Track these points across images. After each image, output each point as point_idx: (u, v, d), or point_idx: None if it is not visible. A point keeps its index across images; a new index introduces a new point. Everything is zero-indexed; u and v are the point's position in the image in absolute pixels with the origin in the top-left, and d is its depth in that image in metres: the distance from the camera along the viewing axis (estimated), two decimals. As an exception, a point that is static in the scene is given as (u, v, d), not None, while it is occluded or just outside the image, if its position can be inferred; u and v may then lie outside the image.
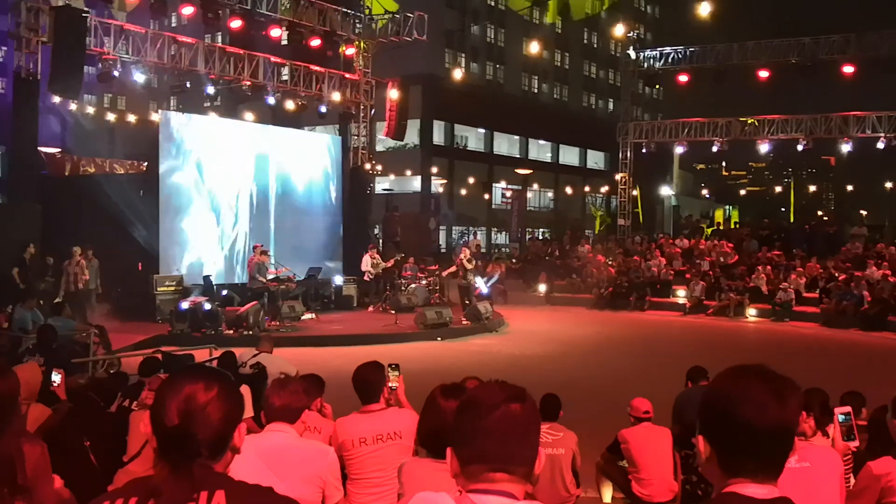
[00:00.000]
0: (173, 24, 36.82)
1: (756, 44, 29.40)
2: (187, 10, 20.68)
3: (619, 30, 35.02)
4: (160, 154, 20.31)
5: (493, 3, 57.38)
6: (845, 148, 29.85)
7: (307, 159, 24.07)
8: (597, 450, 6.81)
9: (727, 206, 69.98)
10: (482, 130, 54.91)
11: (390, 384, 4.67)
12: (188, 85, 22.26)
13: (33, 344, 11.11)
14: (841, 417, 4.21)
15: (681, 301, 24.74)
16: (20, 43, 18.20)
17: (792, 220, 58.81)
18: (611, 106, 67.87)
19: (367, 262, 22.43)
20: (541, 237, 44.27)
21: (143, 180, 22.19)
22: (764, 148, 31.22)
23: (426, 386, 3.71)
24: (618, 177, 34.05)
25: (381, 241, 30.84)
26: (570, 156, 62.06)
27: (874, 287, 22.05)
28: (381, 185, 40.78)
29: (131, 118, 35.47)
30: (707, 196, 78.04)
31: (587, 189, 58.89)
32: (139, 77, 20.87)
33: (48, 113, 25.57)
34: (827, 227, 33.57)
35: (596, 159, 62.99)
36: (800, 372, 2.09)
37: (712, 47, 30.20)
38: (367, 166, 26.81)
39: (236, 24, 21.27)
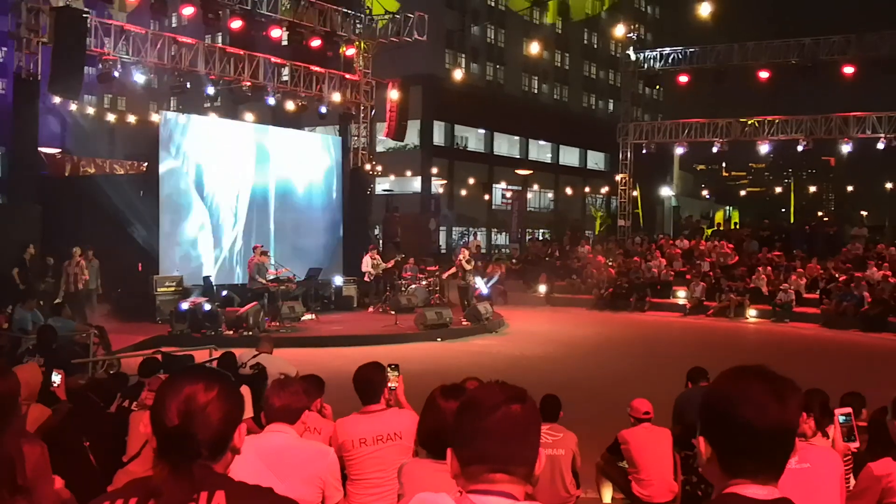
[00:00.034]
0: (173, 25, 36.79)
1: (756, 44, 29.41)
2: (187, 11, 20.67)
3: (619, 30, 35.00)
4: (160, 155, 20.31)
5: (493, 4, 57.39)
6: (845, 148, 29.85)
7: (307, 160, 24.07)
8: (597, 450, 6.81)
9: (727, 207, 70.03)
10: (482, 131, 54.93)
11: (390, 384, 4.67)
12: (188, 85, 22.24)
13: (33, 344, 11.11)
14: (841, 418, 4.21)
15: (681, 302, 24.74)
16: (20, 43, 18.20)
17: (792, 221, 58.80)
18: (611, 106, 67.87)
19: (367, 263, 22.44)
20: (541, 238, 44.31)
21: (143, 181, 22.20)
22: (764, 149, 31.21)
23: (426, 387, 3.71)
24: (618, 177, 34.05)
25: (381, 241, 30.84)
26: (570, 156, 62.08)
27: (874, 288, 22.05)
28: (382, 185, 40.83)
29: (131, 119, 35.50)
30: (707, 197, 78.06)
31: (587, 190, 58.91)
32: (139, 77, 20.86)
33: (48, 113, 25.59)
34: (827, 227, 33.56)
35: (596, 160, 63.02)
36: (800, 373, 2.09)
37: (712, 48, 30.21)
38: (368, 167, 26.81)
39: (236, 24, 21.27)
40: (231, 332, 16.79)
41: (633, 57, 32.42)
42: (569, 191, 57.30)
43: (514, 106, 55.26)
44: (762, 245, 27.89)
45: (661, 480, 6.37)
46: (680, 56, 30.91)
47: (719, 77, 29.43)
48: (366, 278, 22.61)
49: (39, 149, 20.77)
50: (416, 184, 49.44)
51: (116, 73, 19.95)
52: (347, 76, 25.62)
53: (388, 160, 41.76)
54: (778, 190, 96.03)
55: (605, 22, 57.24)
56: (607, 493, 6.89)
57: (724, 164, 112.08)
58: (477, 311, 19.68)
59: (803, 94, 45.92)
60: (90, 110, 37.34)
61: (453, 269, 21.64)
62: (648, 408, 6.56)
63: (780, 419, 1.79)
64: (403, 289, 22.10)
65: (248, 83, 22.82)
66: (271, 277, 18.51)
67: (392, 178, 46.21)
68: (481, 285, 22.18)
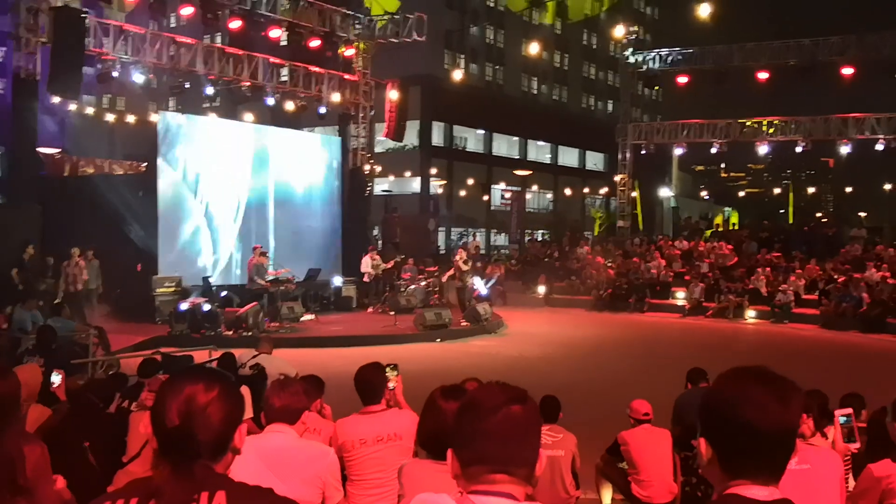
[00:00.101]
0: (172, 25, 36.80)
1: (755, 45, 29.43)
2: (186, 11, 20.67)
3: (618, 31, 34.98)
4: (159, 155, 20.30)
5: (492, 4, 57.40)
6: (844, 150, 29.86)
7: (306, 160, 24.06)
8: (596, 451, 6.81)
9: (726, 208, 70.01)
10: (481, 131, 54.94)
11: (389, 384, 4.68)
12: (187, 85, 22.26)
13: (33, 345, 11.12)
14: (842, 419, 4.21)
15: (680, 303, 24.75)
16: (19, 43, 18.17)
17: (791, 222, 58.76)
18: (610, 107, 67.91)
19: (366, 264, 22.45)
20: (540, 239, 44.28)
21: (142, 181, 22.19)
22: (763, 150, 31.22)
23: (426, 387, 3.71)
24: (617, 178, 34.07)
25: (380, 242, 30.84)
26: (569, 157, 62.09)
27: (873, 289, 22.07)
28: (381, 186, 40.79)
29: (130, 119, 35.46)
30: (706, 198, 78.03)
31: (586, 190, 58.92)
32: (138, 77, 20.84)
33: (47, 113, 25.54)
34: (826, 228, 33.57)
35: (595, 160, 63.02)
36: (799, 374, 2.09)
37: (711, 49, 30.23)
38: (367, 167, 26.80)
39: (235, 24, 21.26)
40: (230, 333, 16.80)
41: (632, 58, 32.43)
42: (568, 191, 57.31)
43: (513, 106, 55.28)
44: (761, 246, 27.90)
45: (660, 481, 6.37)
46: (679, 57, 30.92)
47: (718, 78, 29.44)
48: (365, 279, 22.62)
49: (38, 149, 20.75)
50: (415, 184, 49.44)
51: (115, 73, 19.94)
52: (346, 76, 25.62)
53: (387, 161, 41.75)
54: (777, 191, 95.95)
55: (604, 23, 57.22)
56: (607, 494, 6.89)
57: (723, 165, 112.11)
58: (476, 312, 19.68)
59: (802, 96, 45.96)
60: (89, 110, 37.30)
61: (452, 271, 21.66)
62: (648, 409, 6.56)
63: (781, 420, 1.79)
64: (403, 289, 22.10)
65: (247, 83, 22.82)
66: (270, 278, 18.51)
67: (391, 178, 46.20)
68: (480, 286, 22.18)
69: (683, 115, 36.07)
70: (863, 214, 64.67)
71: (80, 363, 11.33)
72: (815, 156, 60.98)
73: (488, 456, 1.81)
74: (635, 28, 35.37)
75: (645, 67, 31.96)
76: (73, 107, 30.59)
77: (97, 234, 18.63)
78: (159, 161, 20.28)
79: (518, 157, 57.35)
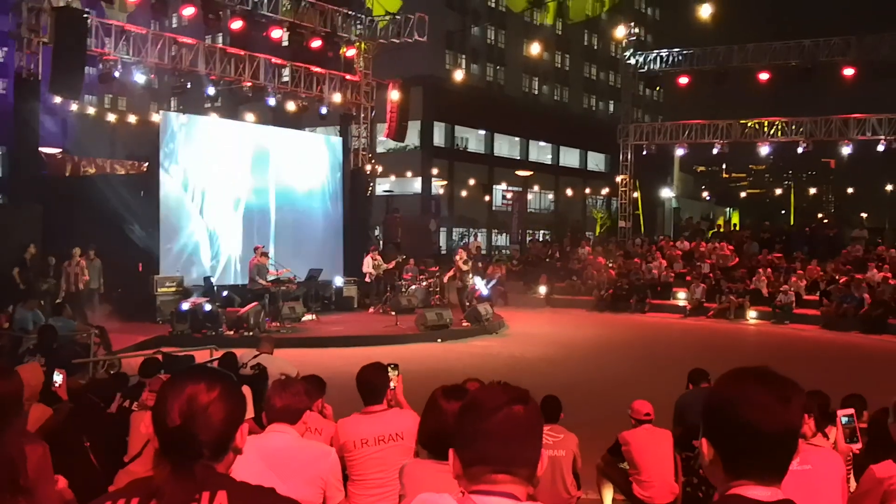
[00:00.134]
0: (174, 25, 36.80)
1: (756, 46, 29.40)
2: (188, 11, 20.68)
3: (619, 32, 34.98)
4: (161, 155, 20.30)
5: (493, 5, 57.40)
6: (846, 150, 29.83)
7: (308, 160, 24.06)
8: (597, 452, 6.81)
9: (727, 209, 70.01)
10: (482, 132, 54.92)
11: (390, 384, 4.69)
12: (189, 86, 22.26)
13: (34, 344, 11.14)
14: (844, 419, 4.20)
15: (681, 303, 24.75)
16: (21, 43, 18.20)
17: (792, 223, 58.83)
18: (611, 108, 67.89)
19: (368, 264, 22.46)
20: (541, 239, 44.30)
21: (144, 181, 22.20)
22: (764, 150, 31.21)
23: (427, 387, 3.71)
24: (618, 179, 34.06)
25: (381, 242, 30.84)
26: (570, 157, 62.07)
27: (875, 290, 22.05)
28: (382, 186, 40.81)
29: (132, 119, 35.52)
30: (707, 198, 78.03)
31: (587, 191, 58.88)
32: (140, 78, 20.86)
33: (49, 113, 25.58)
34: (827, 229, 33.57)
35: (596, 161, 63.00)
36: (800, 374, 2.09)
37: (712, 49, 30.20)
38: (368, 168, 26.81)
39: (237, 24, 21.26)
40: (232, 333, 16.81)
41: (632, 59, 32.42)
42: (569, 192, 57.28)
43: (514, 107, 55.26)
44: (762, 247, 27.89)
45: (661, 482, 6.37)
46: (680, 57, 30.90)
47: (719, 78, 29.44)
48: (366, 279, 22.62)
49: (40, 149, 20.80)
50: (416, 185, 49.43)
51: (117, 74, 19.95)
52: (348, 77, 25.63)
53: (388, 161, 41.75)
54: (778, 192, 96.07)
55: (605, 23, 57.20)
56: (608, 494, 6.88)
57: (724, 166, 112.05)
58: (477, 313, 19.67)
59: (803, 96, 45.90)
60: (91, 110, 37.38)
61: (452, 271, 21.66)
62: (649, 409, 6.55)
63: (784, 421, 1.79)
64: (404, 290, 22.11)
65: (249, 84, 22.83)
66: (272, 278, 18.51)
67: (392, 178, 46.20)
68: (481, 286, 22.18)
69: (684, 116, 36.07)
70: (864, 215, 64.66)
71: (81, 363, 11.33)
72: (816, 156, 60.94)
73: (490, 456, 1.81)
74: (636, 29, 35.34)
75: (646, 68, 31.95)
76: (74, 107, 30.65)
77: (98, 233, 18.65)
78: (161, 161, 20.28)
79: (519, 157, 57.34)
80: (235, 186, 21.84)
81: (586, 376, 14.23)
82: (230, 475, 1.96)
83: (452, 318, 19.17)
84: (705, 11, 24.67)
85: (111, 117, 37.66)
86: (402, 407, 4.87)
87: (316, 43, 23.14)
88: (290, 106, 24.76)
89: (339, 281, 22.95)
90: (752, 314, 23.24)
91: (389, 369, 4.74)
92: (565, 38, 62.51)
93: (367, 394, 4.51)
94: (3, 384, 3.19)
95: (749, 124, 30.79)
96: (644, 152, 32.92)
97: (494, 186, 54.13)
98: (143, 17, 22.87)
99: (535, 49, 39.75)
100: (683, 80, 30.28)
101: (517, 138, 57.36)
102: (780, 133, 30.37)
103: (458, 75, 40.12)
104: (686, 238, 31.35)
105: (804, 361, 15.00)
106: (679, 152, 35.08)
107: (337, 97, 24.88)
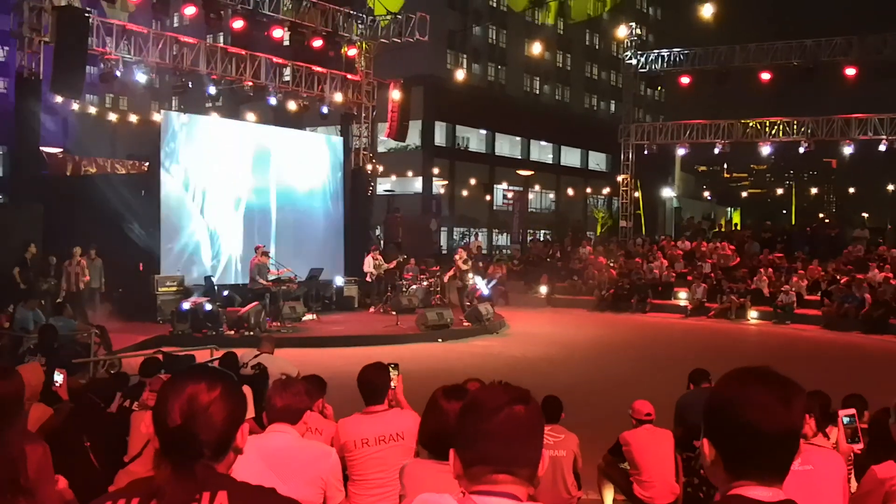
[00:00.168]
0: (175, 25, 36.78)
1: (758, 46, 29.38)
2: (189, 11, 20.70)
3: (620, 31, 34.96)
4: (162, 154, 20.30)
5: (494, 4, 57.40)
6: (847, 150, 29.82)
7: (308, 160, 24.06)
8: (598, 452, 6.80)
9: (728, 209, 69.99)
10: (483, 131, 54.91)
11: (390, 384, 4.68)
12: (190, 85, 22.26)
13: (34, 344, 11.13)
14: (846, 420, 4.20)
15: (682, 303, 24.74)
16: (22, 43, 18.21)
17: (793, 223, 58.77)
18: (612, 107, 67.87)
19: (369, 264, 22.46)
20: (542, 239, 44.28)
21: (145, 180, 22.21)
22: (765, 150, 31.19)
23: (427, 387, 3.71)
24: (619, 178, 34.05)
25: (382, 242, 30.84)
26: (571, 157, 62.05)
27: (876, 290, 22.04)
28: (383, 186, 40.83)
29: (133, 118, 35.53)
30: (709, 198, 78.00)
31: (589, 190, 58.86)
32: (141, 77, 20.87)
33: (50, 113, 25.59)
34: (828, 229, 33.54)
35: (597, 161, 62.97)
36: (801, 374, 2.08)
37: (714, 49, 30.18)
38: (369, 167, 26.82)
39: (238, 24, 21.28)
40: (232, 333, 16.80)
41: (634, 58, 32.40)
42: (570, 192, 57.26)
43: (515, 106, 55.25)
44: (763, 247, 27.89)
45: (662, 482, 6.36)
46: (681, 57, 30.89)
47: (721, 78, 29.42)
48: (367, 279, 22.61)
49: (41, 148, 20.80)
50: (417, 184, 49.42)
51: (118, 73, 19.97)
52: (349, 76, 25.63)
53: (389, 161, 41.76)
54: (779, 192, 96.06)
55: (606, 23, 57.17)
56: (609, 494, 6.88)
57: (725, 166, 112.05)
58: (478, 312, 19.67)
59: (805, 96, 45.93)
60: (92, 110, 37.41)
61: (453, 271, 21.66)
62: (650, 409, 6.55)
63: (785, 421, 1.78)
64: (404, 289, 22.11)
65: (250, 83, 22.83)
66: (272, 278, 18.50)
67: (393, 178, 46.20)
68: (482, 286, 22.18)
69: (686, 116, 36.07)
70: (865, 215, 64.66)
71: (81, 362, 11.34)
72: (817, 156, 60.91)
73: (491, 456, 1.80)
74: (638, 29, 35.32)
75: (647, 68, 31.93)
76: (75, 106, 30.68)
77: (99, 233, 18.64)
78: (161, 161, 20.28)
79: (520, 157, 57.33)
80: (236, 186, 21.83)
81: (587, 376, 14.22)
82: (231, 475, 1.96)
83: (453, 317, 19.17)
84: (707, 11, 24.66)
85: (112, 117, 37.68)
86: (402, 407, 4.87)
87: (317, 42, 23.16)
88: (291, 105, 24.77)
89: (339, 280, 22.95)
90: (753, 314, 23.23)
91: (390, 369, 4.73)
92: (567, 37, 62.51)
93: (369, 394, 4.51)
94: (3, 384, 3.19)
95: (750, 124, 30.78)
96: (645, 152, 32.91)
97: (495, 186, 54.12)
98: (145, 16, 22.91)
99: (536, 49, 39.71)
100: (685, 80, 30.27)
101: (518, 138, 57.35)
102: (781, 133, 30.36)
103: (460, 75, 40.07)
104: (687, 238, 31.34)
105: (805, 361, 15.00)
106: (680, 152, 35.06)
107: (338, 97, 24.88)
